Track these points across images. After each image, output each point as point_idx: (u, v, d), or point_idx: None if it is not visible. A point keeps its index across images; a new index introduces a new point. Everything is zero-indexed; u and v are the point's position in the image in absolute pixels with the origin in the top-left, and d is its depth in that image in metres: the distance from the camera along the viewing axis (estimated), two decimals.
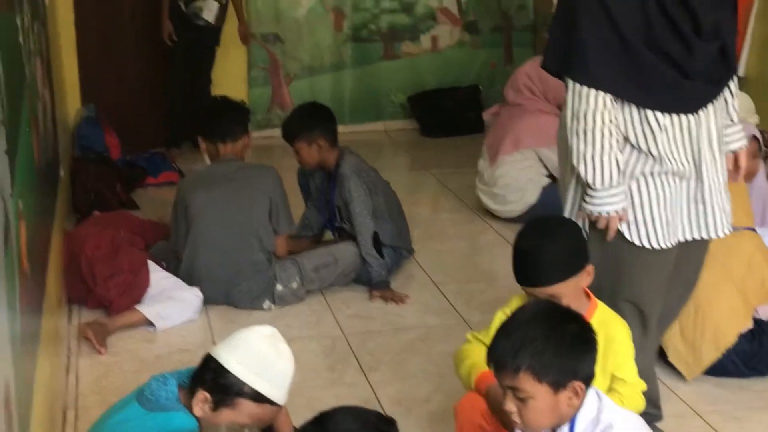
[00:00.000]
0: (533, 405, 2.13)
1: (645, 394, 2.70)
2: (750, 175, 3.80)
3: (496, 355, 2.18)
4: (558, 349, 2.12)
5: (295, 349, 3.86)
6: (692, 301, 3.28)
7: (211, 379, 2.38)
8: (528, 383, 2.12)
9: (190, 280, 4.22)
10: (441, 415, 3.32)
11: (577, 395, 2.14)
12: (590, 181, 2.72)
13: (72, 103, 6.36)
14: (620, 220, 2.78)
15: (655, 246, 2.82)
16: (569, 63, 2.70)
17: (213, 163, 4.51)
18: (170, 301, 4.09)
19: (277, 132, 6.90)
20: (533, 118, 5.20)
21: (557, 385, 2.12)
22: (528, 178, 5.18)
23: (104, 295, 4.08)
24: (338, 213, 4.58)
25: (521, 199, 5.18)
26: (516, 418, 2.18)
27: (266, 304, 4.24)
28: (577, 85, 2.69)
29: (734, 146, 2.95)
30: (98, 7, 6.49)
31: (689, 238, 2.88)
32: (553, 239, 2.60)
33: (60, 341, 3.86)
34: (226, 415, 2.37)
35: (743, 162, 2.98)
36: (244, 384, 2.36)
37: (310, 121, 4.52)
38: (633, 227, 2.82)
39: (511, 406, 2.16)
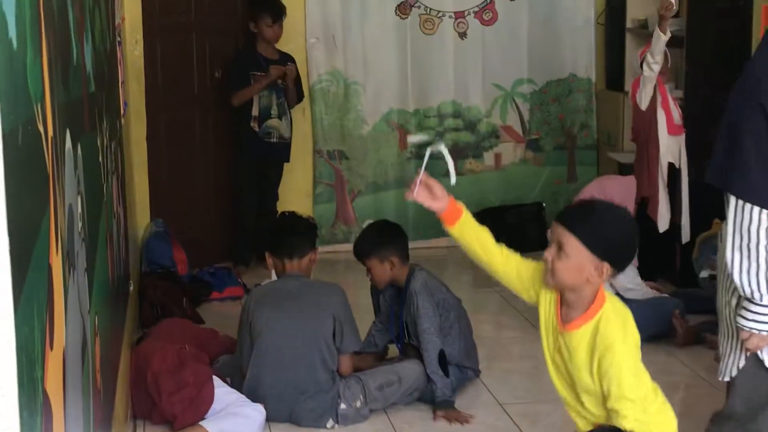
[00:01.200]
0: None
1: None
2: None
3: None
4: None
5: None
6: None
7: None
8: None
9: (253, 397, 4.21)
10: None
11: None
12: (756, 297, 2.62)
13: (141, 218, 6.50)
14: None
15: None
16: (731, 178, 2.64)
17: (279, 279, 4.55)
18: (234, 417, 4.08)
19: (341, 247, 7.02)
20: None
21: None
22: None
23: (169, 410, 4.09)
24: (406, 329, 4.57)
25: None
26: None
27: (329, 423, 4.20)
28: (740, 201, 2.61)
29: None
30: (169, 124, 6.69)
31: None
32: (612, 210, 2.61)
33: None
34: None
35: None
36: None
37: (383, 239, 4.56)
38: None
39: None
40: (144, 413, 4.23)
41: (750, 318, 2.65)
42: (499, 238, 8.05)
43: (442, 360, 4.40)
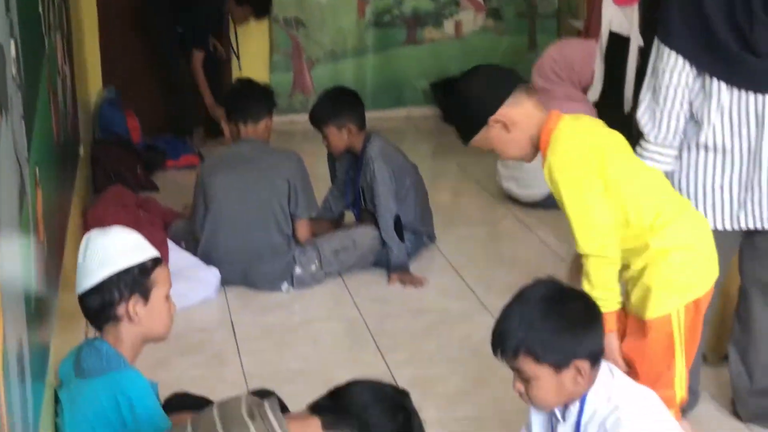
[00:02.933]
0: (537, 385, 2.11)
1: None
2: None
3: (495, 337, 2.15)
4: (556, 329, 2.08)
5: (313, 331, 3.88)
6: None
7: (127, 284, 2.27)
8: (528, 365, 2.10)
9: (208, 260, 4.21)
10: (457, 396, 3.29)
11: (581, 374, 2.10)
12: (647, 132, 2.74)
13: (93, 85, 6.36)
14: None
15: None
16: (658, 20, 2.77)
17: (234, 144, 4.50)
18: (188, 281, 4.08)
19: (299, 117, 6.92)
20: (561, 105, 5.13)
21: (558, 366, 2.09)
22: None
23: None
24: (362, 195, 4.55)
25: (543, 183, 5.11)
26: (524, 398, 2.17)
27: (284, 286, 4.22)
28: (660, 43, 2.73)
29: None
30: None
31: (743, 227, 2.80)
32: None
33: (79, 319, 3.85)
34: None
35: None
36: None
37: (340, 106, 4.49)
38: None
39: (518, 386, 2.15)
40: None
41: (646, 156, 2.75)
42: None
43: (398, 225, 4.40)
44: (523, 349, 2.09)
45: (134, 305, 2.27)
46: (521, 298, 2.17)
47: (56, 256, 2.83)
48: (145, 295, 2.28)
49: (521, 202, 5.26)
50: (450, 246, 4.72)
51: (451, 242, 4.77)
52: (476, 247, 4.78)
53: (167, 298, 2.34)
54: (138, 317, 2.27)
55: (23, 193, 2.00)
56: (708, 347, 3.42)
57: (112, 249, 2.26)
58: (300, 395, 2.24)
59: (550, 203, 5.00)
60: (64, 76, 3.69)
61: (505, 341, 2.12)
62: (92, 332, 3.76)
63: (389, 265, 4.33)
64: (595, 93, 5.48)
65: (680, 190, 2.79)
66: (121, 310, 2.26)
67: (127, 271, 2.25)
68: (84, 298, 2.29)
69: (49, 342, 2.37)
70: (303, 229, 4.34)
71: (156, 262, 2.31)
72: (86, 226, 4.25)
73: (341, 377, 2.19)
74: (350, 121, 4.48)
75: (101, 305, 2.26)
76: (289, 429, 1.99)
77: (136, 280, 2.26)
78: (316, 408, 2.08)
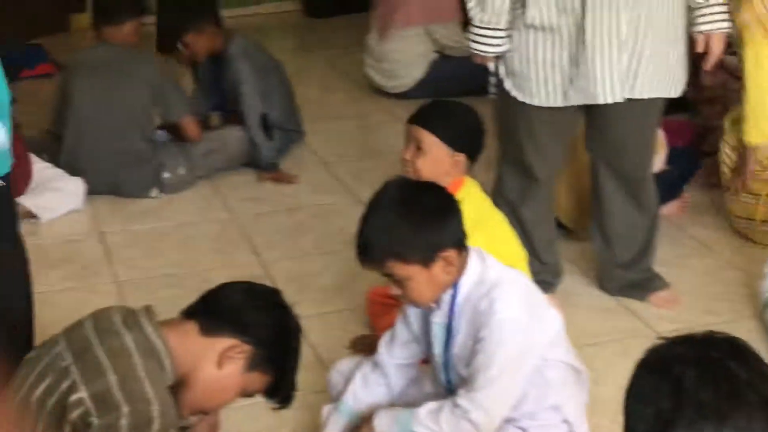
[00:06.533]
0: (411, 285, 2.14)
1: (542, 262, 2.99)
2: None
3: (359, 249, 2.17)
4: (415, 227, 2.11)
5: (185, 235, 3.84)
6: (575, 154, 3.31)
7: None
8: (397, 268, 2.12)
9: (72, 170, 4.09)
10: (334, 289, 3.33)
11: (451, 263, 2.14)
12: (473, 15, 2.84)
13: None
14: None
15: (528, 101, 2.89)
16: None
17: (92, 48, 4.34)
18: (52, 192, 3.97)
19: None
20: None
21: (426, 261, 2.12)
22: (417, 53, 5.16)
23: None
24: (227, 97, 4.47)
25: (409, 74, 5.16)
26: (404, 300, 2.22)
27: (154, 192, 4.14)
28: None
29: (705, 27, 2.84)
30: None
31: (573, 102, 2.87)
32: (460, 105, 2.78)
33: None
34: None
35: (716, 47, 2.85)
36: None
37: (194, 11, 4.34)
38: (511, 77, 2.91)
39: (395, 290, 2.18)
40: None
41: (476, 40, 2.88)
42: (320, 2, 7.75)
43: (265, 124, 4.35)
44: (387, 255, 2.11)
45: None
46: (375, 204, 2.19)
47: None
48: None
49: (389, 93, 5.27)
50: (320, 141, 4.71)
51: (320, 137, 4.75)
52: (346, 141, 4.78)
53: None
54: None
55: None
56: (571, 221, 3.53)
57: None
58: (175, 300, 2.22)
59: (415, 93, 5.06)
60: None
61: (369, 252, 2.14)
62: None
63: (259, 164, 4.30)
64: None
65: (514, 69, 2.88)
66: None
67: None
68: None
69: None
70: (191, 127, 4.23)
71: None
72: None
73: (216, 280, 2.18)
74: (208, 23, 4.36)
75: None
76: (166, 337, 1.98)
77: None
78: (191, 313, 2.08)
